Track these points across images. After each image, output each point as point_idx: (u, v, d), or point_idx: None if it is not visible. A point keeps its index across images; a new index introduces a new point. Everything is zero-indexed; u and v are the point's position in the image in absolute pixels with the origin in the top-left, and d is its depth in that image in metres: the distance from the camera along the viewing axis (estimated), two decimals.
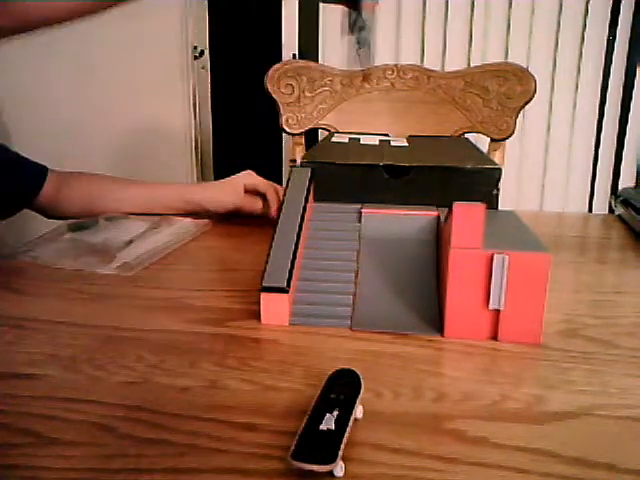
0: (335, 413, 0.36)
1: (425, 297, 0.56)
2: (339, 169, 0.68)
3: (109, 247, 0.72)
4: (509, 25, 1.65)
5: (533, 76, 1.16)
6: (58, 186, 0.91)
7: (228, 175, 0.92)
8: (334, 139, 0.85)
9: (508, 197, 1.68)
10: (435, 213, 0.62)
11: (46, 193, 0.90)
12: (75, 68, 1.78)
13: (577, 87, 1.66)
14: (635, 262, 0.74)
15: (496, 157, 1.18)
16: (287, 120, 1.23)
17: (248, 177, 0.91)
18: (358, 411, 0.39)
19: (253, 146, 1.85)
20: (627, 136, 1.67)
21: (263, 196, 0.89)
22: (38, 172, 0.90)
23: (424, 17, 1.68)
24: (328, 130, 1.22)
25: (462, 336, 0.51)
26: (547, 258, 0.49)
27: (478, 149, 0.79)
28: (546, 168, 1.73)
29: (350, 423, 0.36)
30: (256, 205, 0.89)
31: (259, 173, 0.92)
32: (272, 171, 0.98)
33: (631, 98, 1.66)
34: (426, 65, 1.25)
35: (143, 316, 0.56)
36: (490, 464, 0.36)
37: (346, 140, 0.84)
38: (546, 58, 1.66)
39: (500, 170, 0.65)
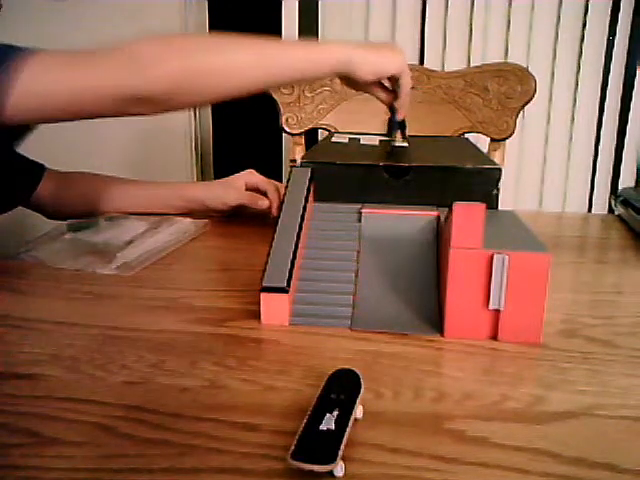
0: (335, 413, 0.36)
1: (425, 297, 0.56)
2: (339, 169, 0.68)
3: (109, 247, 0.72)
4: (509, 25, 1.65)
5: (533, 76, 1.16)
6: (57, 186, 0.91)
7: (228, 175, 0.93)
8: (334, 139, 0.85)
9: (508, 197, 1.68)
10: (435, 213, 0.62)
11: (44, 191, 0.90)
12: None
13: (577, 87, 1.66)
14: (635, 262, 0.74)
15: (496, 157, 1.18)
16: (287, 120, 1.23)
17: (249, 175, 0.91)
18: (358, 411, 0.39)
19: (253, 146, 1.85)
20: (627, 136, 1.67)
21: (264, 194, 0.89)
22: (35, 170, 0.90)
23: (424, 17, 1.68)
24: (328, 130, 1.22)
25: (462, 336, 0.51)
26: (547, 258, 0.49)
27: (478, 149, 0.79)
28: (546, 168, 1.73)
29: (350, 423, 0.36)
30: (258, 201, 0.88)
31: (259, 173, 0.92)
32: (272, 171, 0.98)
33: (631, 97, 1.66)
34: (426, 65, 1.25)
35: (143, 316, 0.56)
36: (490, 464, 0.36)
37: (346, 140, 0.84)
38: (546, 58, 1.65)
39: (500, 170, 0.65)
